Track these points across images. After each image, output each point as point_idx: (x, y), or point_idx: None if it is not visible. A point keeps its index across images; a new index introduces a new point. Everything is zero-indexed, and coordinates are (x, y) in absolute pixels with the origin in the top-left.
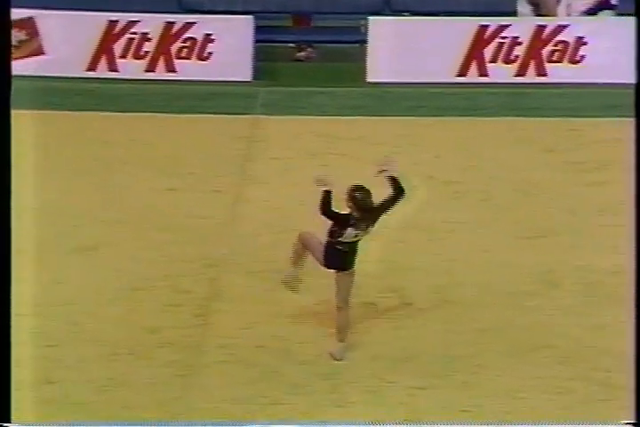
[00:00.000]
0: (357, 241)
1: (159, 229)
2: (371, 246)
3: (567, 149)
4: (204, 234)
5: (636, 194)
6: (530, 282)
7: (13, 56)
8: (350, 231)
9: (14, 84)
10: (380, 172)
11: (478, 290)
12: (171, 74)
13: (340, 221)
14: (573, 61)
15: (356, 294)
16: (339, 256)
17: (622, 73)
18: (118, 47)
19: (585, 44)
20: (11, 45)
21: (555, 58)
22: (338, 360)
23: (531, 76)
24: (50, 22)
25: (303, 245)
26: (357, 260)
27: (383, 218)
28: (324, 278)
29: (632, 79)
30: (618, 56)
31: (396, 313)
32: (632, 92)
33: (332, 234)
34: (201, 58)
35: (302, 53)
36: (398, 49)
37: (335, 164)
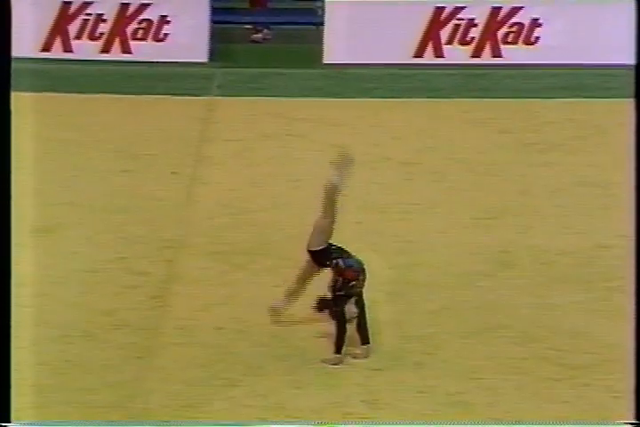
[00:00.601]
0: None
1: (115, 211)
2: None
3: (522, 129)
4: (161, 215)
5: (635, 178)
6: (484, 262)
7: None
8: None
9: None
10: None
11: (433, 271)
12: (126, 55)
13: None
14: (528, 43)
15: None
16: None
17: (576, 54)
18: (73, 28)
19: (540, 25)
20: (11, 28)
21: (510, 39)
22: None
23: (486, 58)
24: None
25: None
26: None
27: (338, 198)
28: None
29: (585, 60)
30: (572, 37)
31: None
32: (586, 72)
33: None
34: (157, 39)
35: (259, 35)
36: (355, 31)
37: (292, 145)
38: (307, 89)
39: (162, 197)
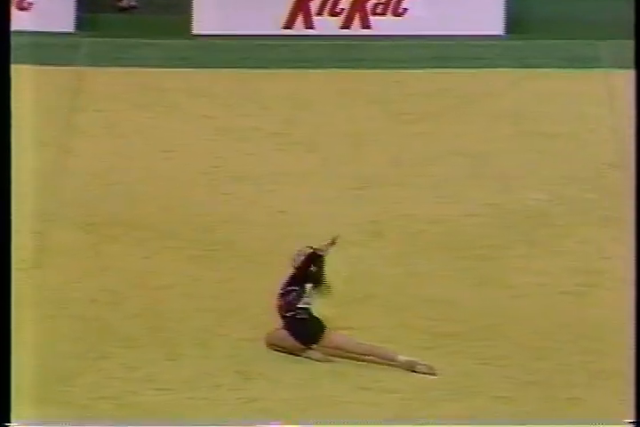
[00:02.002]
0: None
1: None
2: (198, 199)
3: (391, 100)
4: (31, 187)
5: (636, 156)
6: (355, 232)
7: None
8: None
9: None
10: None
11: (305, 241)
12: None
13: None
14: (397, 14)
15: (186, 247)
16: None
17: (444, 25)
18: None
19: None
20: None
21: (379, 11)
22: None
23: (356, 29)
24: None
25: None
26: (182, 216)
27: (209, 169)
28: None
29: (452, 31)
30: (439, 9)
31: (225, 266)
32: (453, 43)
33: (290, 302)
34: (22, 8)
35: (123, 2)
36: (224, 1)
37: (162, 116)
38: (176, 59)
39: (31, 167)
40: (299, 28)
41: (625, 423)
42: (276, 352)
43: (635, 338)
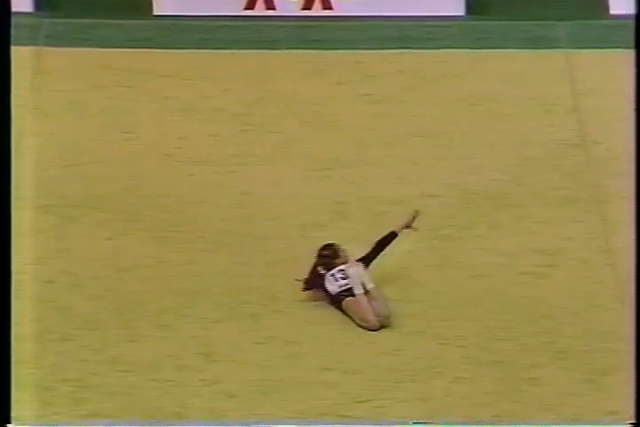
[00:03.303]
0: None
1: None
2: (161, 180)
3: (354, 81)
4: None
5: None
6: (320, 213)
7: None
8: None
9: None
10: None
11: (269, 223)
12: None
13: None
14: None
15: (149, 229)
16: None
17: (404, 6)
18: None
19: None
20: None
21: None
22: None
23: (317, 10)
24: None
25: None
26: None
27: (172, 151)
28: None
29: (412, 12)
30: None
31: (189, 247)
32: (413, 24)
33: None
34: None
35: None
36: None
37: (123, 97)
38: (137, 40)
39: None
40: (260, 9)
41: (626, 424)
42: (250, 332)
43: (634, 338)
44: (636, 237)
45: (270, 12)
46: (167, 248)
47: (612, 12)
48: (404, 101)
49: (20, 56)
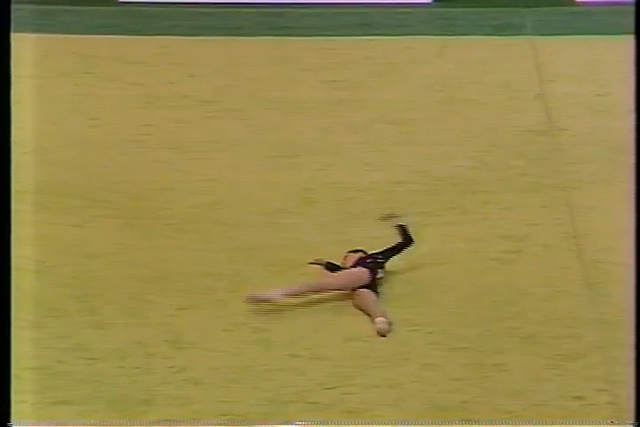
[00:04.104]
0: None
1: None
2: (127, 167)
3: (321, 67)
4: None
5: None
6: (286, 200)
7: None
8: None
9: None
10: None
11: (235, 209)
12: None
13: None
14: None
15: (115, 215)
16: None
17: None
18: None
19: None
20: None
21: None
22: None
23: None
24: None
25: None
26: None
27: (138, 137)
28: None
29: None
30: None
31: (155, 234)
32: (380, 11)
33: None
34: None
35: None
36: None
37: (89, 83)
38: (104, 27)
39: None
40: None
41: (628, 425)
42: (218, 319)
43: (635, 338)
44: (636, 237)
45: None
46: (134, 235)
47: None
48: (371, 88)
49: None
